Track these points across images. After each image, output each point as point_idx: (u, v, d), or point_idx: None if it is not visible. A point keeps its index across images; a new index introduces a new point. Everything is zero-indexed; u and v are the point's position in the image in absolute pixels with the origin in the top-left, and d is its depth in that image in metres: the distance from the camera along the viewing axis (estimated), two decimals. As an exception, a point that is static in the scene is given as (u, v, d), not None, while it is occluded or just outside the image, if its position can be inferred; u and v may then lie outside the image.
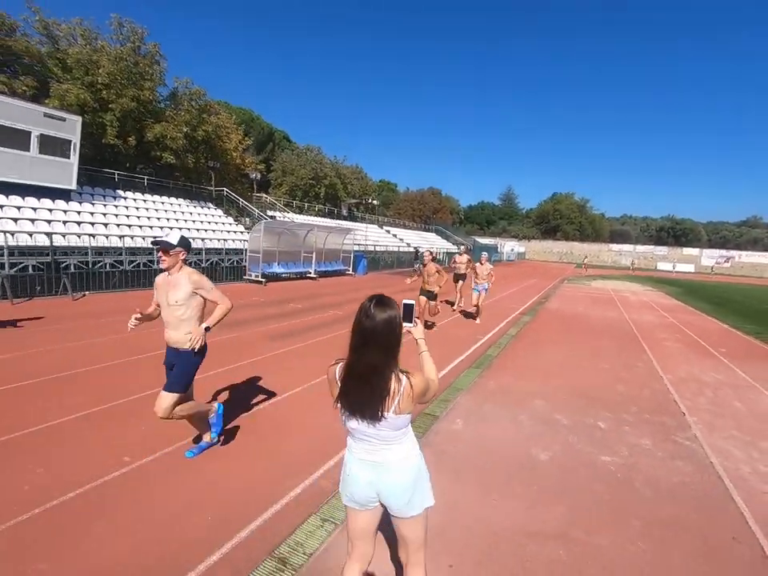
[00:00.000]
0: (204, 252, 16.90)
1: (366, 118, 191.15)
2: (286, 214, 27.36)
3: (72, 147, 15.90)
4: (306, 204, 33.74)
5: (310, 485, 3.15)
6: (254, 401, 4.62)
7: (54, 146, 15.44)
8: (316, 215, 33.58)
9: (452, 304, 12.00)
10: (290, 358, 6.31)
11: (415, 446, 1.77)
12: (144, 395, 4.50)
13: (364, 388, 1.59)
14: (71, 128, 15.81)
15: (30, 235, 12.96)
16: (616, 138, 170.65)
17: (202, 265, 16.40)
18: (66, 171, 15.96)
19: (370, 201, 35.68)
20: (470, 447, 3.89)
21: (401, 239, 41.41)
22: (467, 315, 10.86)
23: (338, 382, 1.66)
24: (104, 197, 18.36)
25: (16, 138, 14.37)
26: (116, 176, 19.71)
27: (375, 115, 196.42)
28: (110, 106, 18.46)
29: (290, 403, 4.66)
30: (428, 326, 8.69)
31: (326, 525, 2.70)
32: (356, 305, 1.64)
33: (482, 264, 10.28)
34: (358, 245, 25.05)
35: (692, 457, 3.99)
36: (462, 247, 11.81)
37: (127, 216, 17.92)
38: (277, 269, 15.83)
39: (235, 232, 21.95)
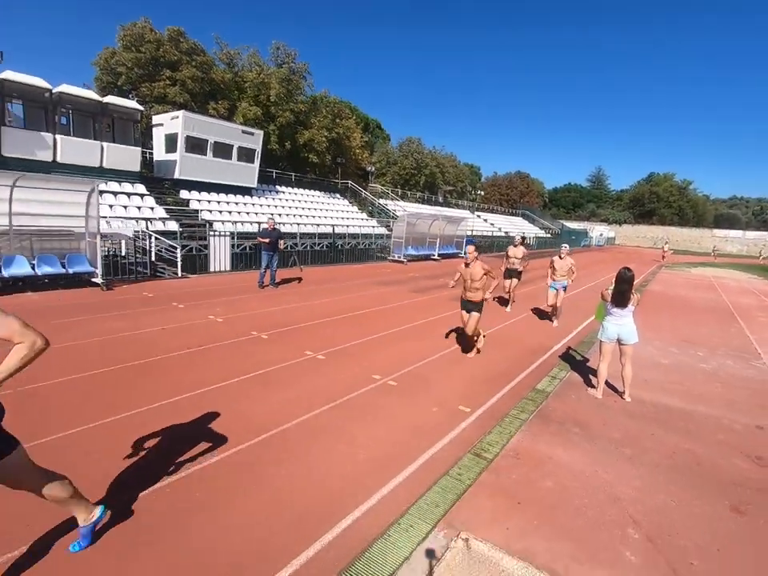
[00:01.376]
0: (347, 237, 21.15)
1: (448, 99, 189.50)
2: (397, 201, 31.21)
3: (256, 154, 20.77)
4: (408, 192, 37.35)
5: (520, 380, 6.60)
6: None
7: (244, 154, 20.35)
8: (416, 202, 37.10)
9: (505, 304, 10.38)
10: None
11: (632, 317, 5.07)
12: (400, 329, 8.26)
13: (622, 297, 4.91)
14: (256, 140, 20.63)
15: (233, 224, 17.80)
16: (724, 112, 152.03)
17: (346, 248, 20.58)
18: (251, 173, 20.92)
19: (476, 191, 38.22)
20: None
21: (491, 224, 43.61)
22: (542, 316, 9.81)
23: (610, 294, 5.00)
24: (269, 191, 23.34)
25: (225, 150, 19.40)
26: (274, 174, 24.69)
27: (456, 96, 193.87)
28: (277, 119, 23.22)
29: (509, 328, 8.15)
30: (464, 348, 6.82)
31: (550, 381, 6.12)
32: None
33: (561, 258, 8.90)
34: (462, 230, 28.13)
35: (759, 369, 6.83)
36: (518, 237, 10.40)
37: (284, 207, 22.70)
38: (411, 251, 19.59)
39: (359, 218, 26.20)
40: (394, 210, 30.18)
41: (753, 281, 22.44)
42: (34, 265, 8.32)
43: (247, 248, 14.81)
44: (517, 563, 2.51)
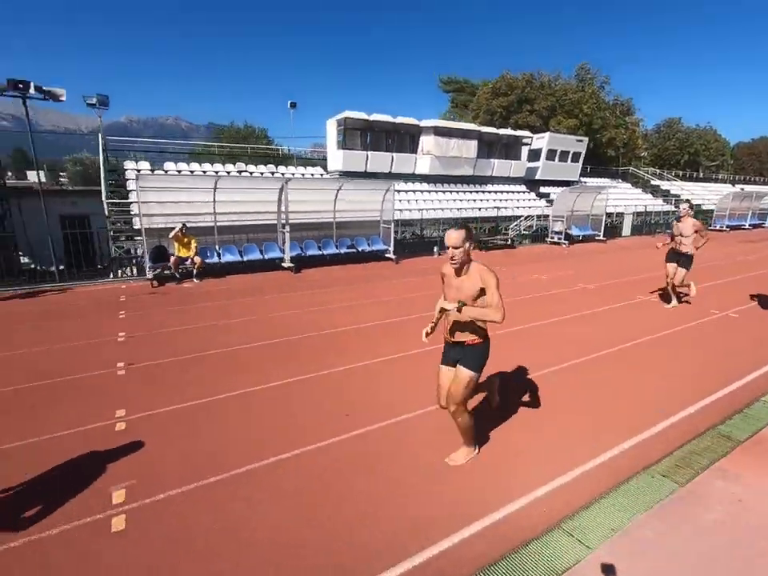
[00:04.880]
0: (652, 214, 26.96)
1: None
2: (673, 182, 35.11)
3: (581, 156, 28.35)
4: (672, 171, 40.20)
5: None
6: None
7: (574, 157, 28.12)
8: (680, 180, 39.65)
9: (669, 300, 7.62)
10: None
11: None
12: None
13: None
14: (583, 145, 28.22)
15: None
16: None
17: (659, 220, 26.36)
18: (575, 170, 28.67)
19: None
20: None
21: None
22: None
23: None
24: (578, 182, 30.76)
25: (564, 155, 27.48)
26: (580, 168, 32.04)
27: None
28: (586, 125, 30.42)
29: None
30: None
31: None
32: None
33: None
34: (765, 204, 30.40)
35: None
36: (685, 205, 7.10)
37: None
38: (727, 222, 24.53)
39: (646, 198, 31.44)
40: (668, 190, 34.32)
41: None
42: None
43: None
44: None
